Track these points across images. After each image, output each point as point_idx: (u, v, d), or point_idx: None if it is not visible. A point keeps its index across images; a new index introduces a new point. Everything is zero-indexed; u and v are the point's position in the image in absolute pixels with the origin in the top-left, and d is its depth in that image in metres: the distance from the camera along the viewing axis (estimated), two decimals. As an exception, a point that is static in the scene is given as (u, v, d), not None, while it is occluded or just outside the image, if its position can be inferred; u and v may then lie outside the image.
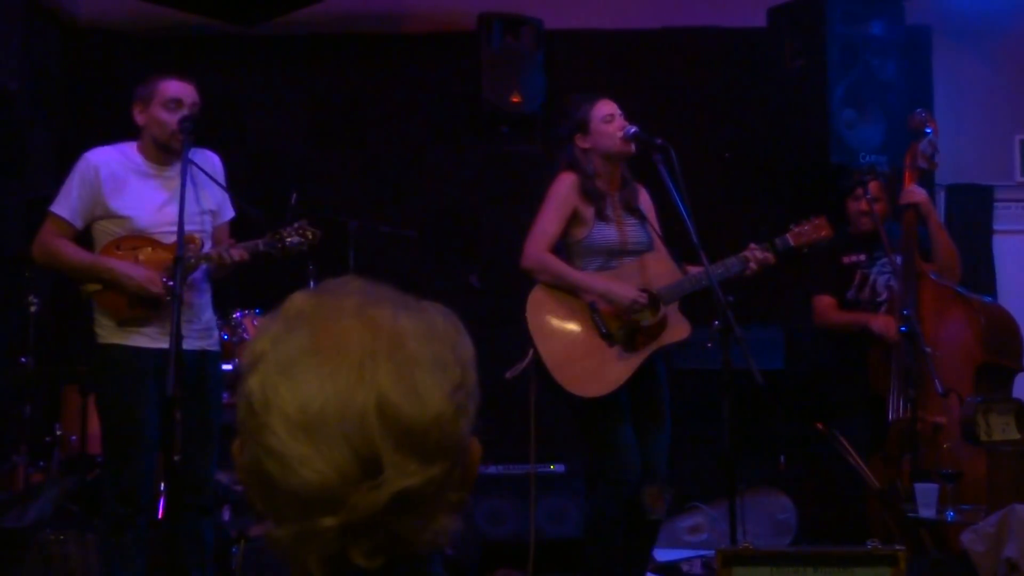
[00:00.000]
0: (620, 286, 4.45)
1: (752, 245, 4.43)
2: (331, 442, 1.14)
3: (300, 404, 1.16)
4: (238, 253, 4.18)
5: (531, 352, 4.47)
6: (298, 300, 1.26)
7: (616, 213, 4.57)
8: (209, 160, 4.43)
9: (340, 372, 1.16)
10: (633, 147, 4.52)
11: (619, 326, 4.45)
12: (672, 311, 4.48)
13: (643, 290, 4.44)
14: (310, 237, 4.25)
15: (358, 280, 1.29)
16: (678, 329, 4.49)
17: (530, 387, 4.55)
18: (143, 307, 4.18)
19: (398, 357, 1.18)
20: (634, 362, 4.43)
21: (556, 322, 4.49)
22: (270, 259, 4.28)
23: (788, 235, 4.51)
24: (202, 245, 4.22)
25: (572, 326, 4.48)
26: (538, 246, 4.51)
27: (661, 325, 4.46)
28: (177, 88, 4.27)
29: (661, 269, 4.51)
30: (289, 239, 4.22)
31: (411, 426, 1.16)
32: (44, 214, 4.31)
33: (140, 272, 4.14)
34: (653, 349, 4.46)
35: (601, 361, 4.43)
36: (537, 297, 4.52)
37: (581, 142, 4.57)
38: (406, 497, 1.16)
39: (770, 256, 4.43)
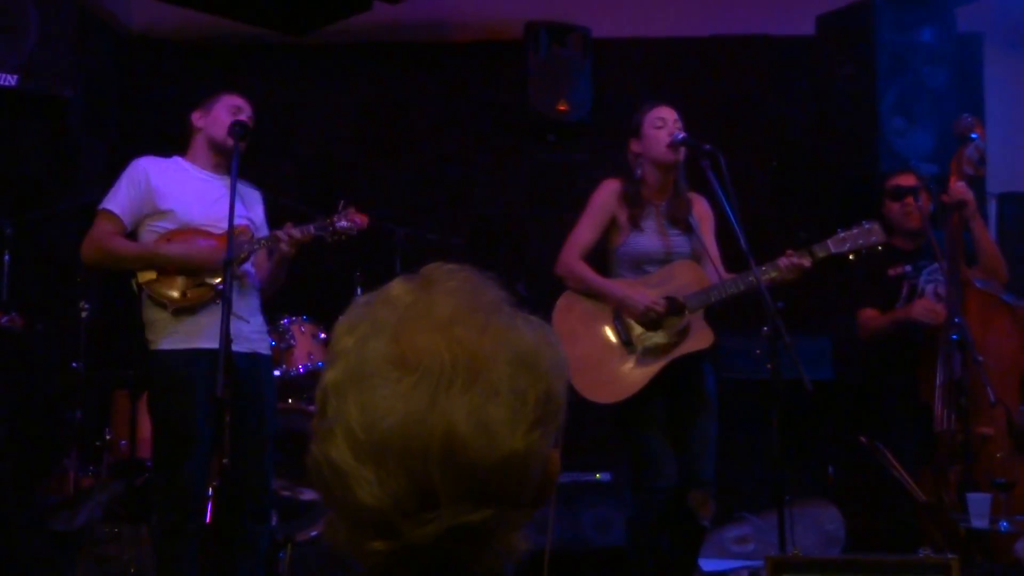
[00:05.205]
0: (638, 292, 4.45)
1: (788, 251, 4.38)
2: (391, 469, 1.10)
3: (367, 423, 1.12)
4: (299, 233, 4.24)
5: None
6: (395, 290, 1.21)
7: (658, 222, 4.56)
8: (251, 193, 4.56)
9: (414, 394, 1.11)
10: (680, 156, 4.51)
11: (641, 333, 4.45)
12: (696, 319, 4.44)
13: (668, 297, 4.43)
14: (358, 221, 4.33)
15: (464, 273, 1.23)
16: (700, 338, 4.44)
17: None
18: (197, 289, 4.22)
19: (476, 387, 1.12)
20: (652, 369, 4.41)
21: (579, 328, 4.50)
22: (320, 244, 4.32)
23: (829, 241, 4.41)
24: (252, 236, 4.31)
25: (595, 332, 4.49)
26: (570, 253, 4.57)
27: (683, 333, 4.44)
28: (240, 100, 4.46)
29: (692, 277, 4.50)
30: (339, 222, 4.30)
31: (475, 465, 1.11)
32: (91, 216, 4.37)
33: (201, 244, 4.22)
34: (673, 357, 4.43)
35: (618, 367, 4.44)
36: (564, 303, 4.57)
37: (634, 146, 4.59)
38: (461, 531, 1.12)
39: (804, 261, 4.35)
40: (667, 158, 4.52)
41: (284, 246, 4.25)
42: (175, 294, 4.22)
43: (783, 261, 4.33)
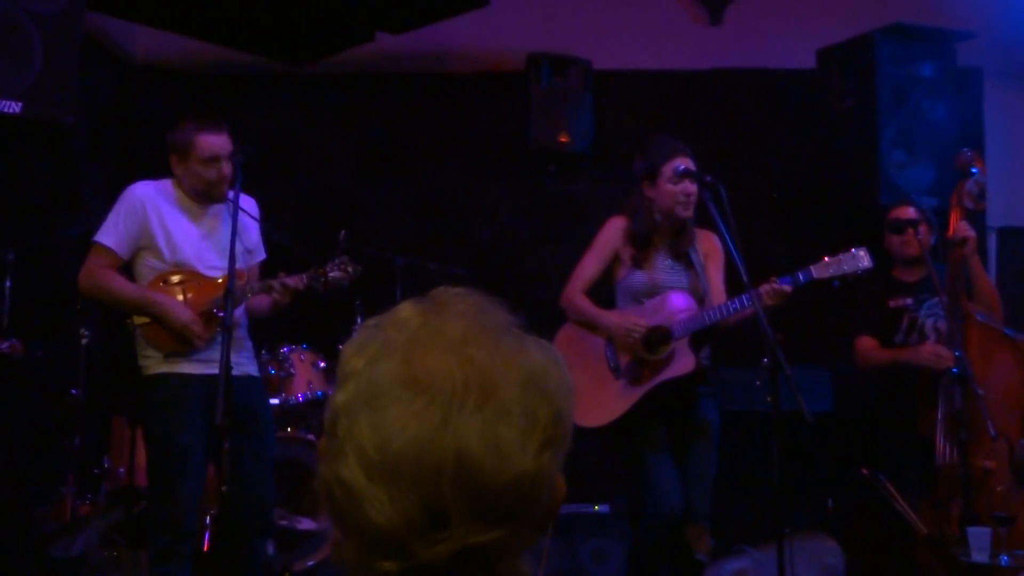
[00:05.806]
0: (623, 321, 4.51)
1: (772, 277, 4.37)
2: (403, 488, 1.10)
3: (379, 442, 1.11)
4: (293, 282, 4.26)
5: None
6: (404, 313, 1.21)
7: (659, 259, 4.61)
8: (246, 203, 4.51)
9: (426, 413, 1.11)
10: (692, 213, 4.52)
11: (629, 360, 4.50)
12: (682, 347, 4.48)
13: (657, 326, 4.45)
14: (351, 272, 4.35)
15: (472, 297, 1.24)
16: (681, 364, 4.47)
17: None
18: (187, 341, 4.23)
19: (488, 408, 1.12)
20: (635, 395, 4.48)
21: (575, 357, 4.57)
22: (313, 294, 4.33)
23: (812, 267, 4.36)
24: (247, 281, 4.32)
25: (588, 361, 4.59)
26: (573, 287, 4.68)
27: (668, 360, 4.48)
28: (213, 144, 4.31)
29: (682, 305, 4.53)
30: (331, 273, 4.31)
31: (486, 485, 1.11)
32: (90, 245, 4.37)
33: (187, 315, 4.21)
34: (656, 383, 4.47)
35: (605, 393, 4.52)
36: (564, 335, 4.69)
37: (648, 191, 4.59)
38: (471, 552, 1.11)
39: (785, 287, 4.30)
40: (681, 215, 4.55)
41: (277, 295, 4.27)
42: (167, 341, 4.25)
43: (764, 288, 4.31)
